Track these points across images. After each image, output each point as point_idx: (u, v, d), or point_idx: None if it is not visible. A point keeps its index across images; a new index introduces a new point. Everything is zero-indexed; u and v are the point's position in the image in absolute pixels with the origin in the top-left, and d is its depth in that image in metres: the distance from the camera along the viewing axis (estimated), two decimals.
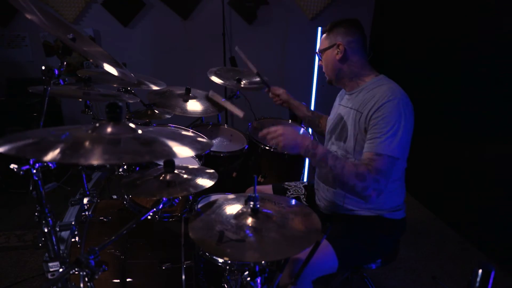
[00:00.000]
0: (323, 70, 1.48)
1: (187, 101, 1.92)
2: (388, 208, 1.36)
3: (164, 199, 1.07)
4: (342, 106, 1.46)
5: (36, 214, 1.00)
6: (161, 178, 1.13)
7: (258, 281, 0.92)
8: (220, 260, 1.25)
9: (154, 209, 1.06)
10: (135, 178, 1.18)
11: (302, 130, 2.27)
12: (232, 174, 2.08)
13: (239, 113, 1.46)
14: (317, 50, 1.48)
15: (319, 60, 1.48)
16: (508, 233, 2.19)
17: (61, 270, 1.03)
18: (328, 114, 1.63)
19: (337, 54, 1.36)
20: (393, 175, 1.34)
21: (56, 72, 1.04)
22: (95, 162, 0.69)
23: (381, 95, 1.24)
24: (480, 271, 0.68)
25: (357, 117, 1.31)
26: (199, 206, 1.45)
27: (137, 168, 1.55)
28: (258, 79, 2.16)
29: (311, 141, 1.23)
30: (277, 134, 1.23)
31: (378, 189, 1.17)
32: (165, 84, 1.93)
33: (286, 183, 1.73)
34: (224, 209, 1.00)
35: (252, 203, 0.93)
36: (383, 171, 1.17)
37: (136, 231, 1.34)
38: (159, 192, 1.08)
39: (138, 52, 3.49)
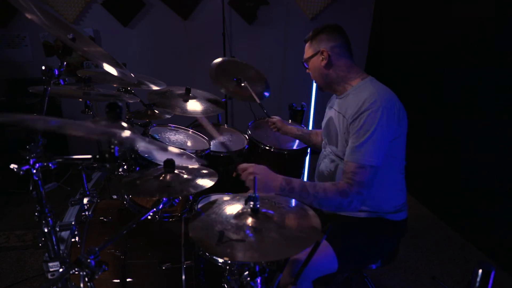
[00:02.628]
0: (312, 77, 1.49)
1: (187, 101, 1.92)
2: (390, 210, 1.36)
3: (164, 199, 1.07)
4: (332, 109, 1.48)
5: (36, 214, 1.00)
6: (161, 178, 1.13)
7: (258, 281, 0.92)
8: (220, 260, 1.25)
9: (154, 209, 1.05)
10: (135, 178, 1.18)
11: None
12: (232, 174, 2.08)
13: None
14: (303, 59, 1.49)
15: (306, 68, 1.49)
16: (508, 233, 2.19)
17: (61, 270, 1.03)
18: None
19: (322, 60, 1.38)
20: (393, 176, 1.34)
21: (56, 72, 1.04)
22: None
23: (363, 102, 1.25)
24: (480, 271, 0.68)
25: (344, 122, 1.33)
26: (199, 206, 1.44)
27: (137, 168, 1.55)
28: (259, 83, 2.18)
29: (283, 178, 1.22)
30: (248, 172, 1.22)
31: (361, 199, 1.22)
32: (165, 84, 1.93)
33: None
34: (224, 209, 1.00)
35: (252, 203, 0.93)
36: (365, 182, 1.20)
37: (136, 231, 1.34)
38: (159, 192, 1.08)
39: (138, 52, 3.49)
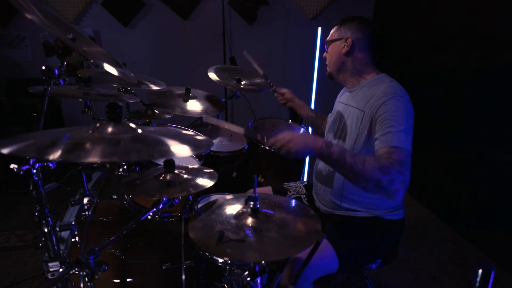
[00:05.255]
0: (326, 62, 1.48)
1: (187, 101, 1.92)
2: (387, 209, 1.36)
3: (164, 199, 1.07)
4: (341, 103, 1.46)
5: (36, 214, 1.01)
6: (161, 178, 1.13)
7: (258, 281, 0.92)
8: (220, 260, 1.25)
9: (154, 209, 1.06)
10: (135, 178, 1.18)
11: (302, 130, 2.27)
12: (232, 174, 2.08)
13: (239, 130, 1.34)
14: (325, 40, 1.48)
15: (325, 51, 1.49)
16: (508, 233, 2.19)
17: (61, 270, 1.03)
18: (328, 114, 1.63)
19: (344, 47, 1.37)
20: None
21: (56, 72, 1.04)
22: (95, 160, 0.69)
23: (383, 92, 1.24)
24: (480, 271, 0.68)
25: (360, 116, 1.30)
26: (199, 206, 1.45)
27: (137, 168, 1.55)
28: (258, 80, 2.17)
29: (323, 141, 1.14)
30: (286, 140, 1.14)
31: (404, 182, 1.08)
32: (165, 84, 1.93)
33: (286, 183, 1.73)
34: (224, 209, 1.00)
35: (252, 203, 0.93)
36: (404, 162, 1.11)
37: (136, 231, 1.34)
38: (159, 192, 1.08)
39: (138, 52, 3.49)
